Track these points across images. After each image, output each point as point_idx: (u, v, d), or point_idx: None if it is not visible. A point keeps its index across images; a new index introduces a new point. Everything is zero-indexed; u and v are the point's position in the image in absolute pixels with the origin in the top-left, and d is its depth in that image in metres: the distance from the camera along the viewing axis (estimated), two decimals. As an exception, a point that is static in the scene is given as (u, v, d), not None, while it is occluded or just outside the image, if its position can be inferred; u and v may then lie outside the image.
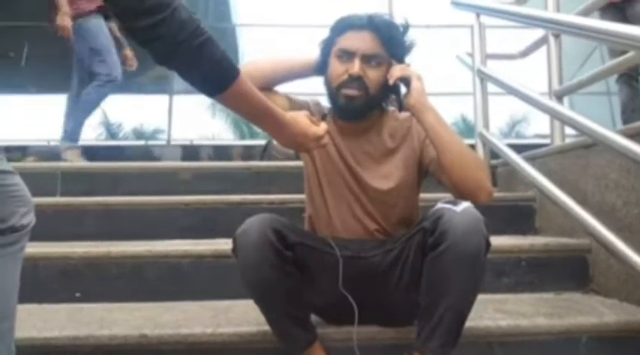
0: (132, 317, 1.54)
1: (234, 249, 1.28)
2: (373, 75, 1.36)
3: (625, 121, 2.96)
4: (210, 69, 0.98)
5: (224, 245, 1.56)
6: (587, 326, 1.50)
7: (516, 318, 1.51)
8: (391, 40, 1.37)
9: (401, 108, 1.42)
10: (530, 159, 2.30)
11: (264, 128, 1.19)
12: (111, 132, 9.18)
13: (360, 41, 1.35)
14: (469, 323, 1.47)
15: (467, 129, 9.09)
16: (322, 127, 1.23)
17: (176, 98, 6.14)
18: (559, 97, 2.47)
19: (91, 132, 6.77)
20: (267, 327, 1.32)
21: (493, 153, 2.56)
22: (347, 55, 1.36)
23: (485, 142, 2.51)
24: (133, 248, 1.79)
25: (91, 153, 3.57)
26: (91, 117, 3.51)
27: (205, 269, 1.77)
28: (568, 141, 2.37)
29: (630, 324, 1.50)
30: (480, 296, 1.80)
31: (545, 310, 1.60)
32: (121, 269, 1.65)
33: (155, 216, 2.19)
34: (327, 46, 1.42)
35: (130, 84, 4.51)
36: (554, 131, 2.45)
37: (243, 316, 1.52)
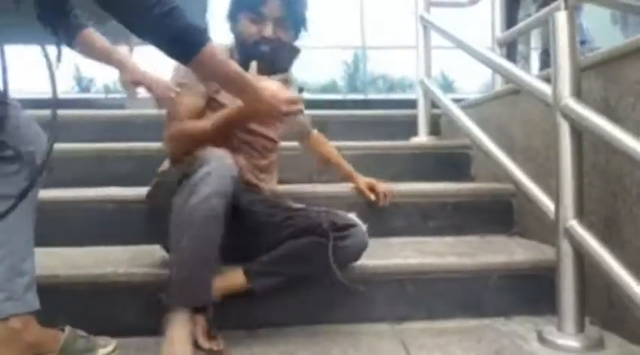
0: (49, 260, 1.53)
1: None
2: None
3: (543, 62, 2.98)
4: (175, 37, 1.06)
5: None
6: (497, 264, 1.55)
7: (427, 257, 1.55)
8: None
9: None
10: (469, 107, 2.31)
11: (236, 95, 1.28)
12: (82, 86, 8.93)
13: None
14: (380, 261, 1.51)
15: (446, 84, 9.15)
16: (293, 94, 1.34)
17: (137, 50, 5.93)
18: (501, 45, 2.47)
19: (62, 85, 6.60)
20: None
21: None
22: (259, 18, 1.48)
23: (426, 91, 2.50)
24: (57, 193, 1.77)
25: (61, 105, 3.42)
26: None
27: (130, 215, 1.75)
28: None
29: (539, 262, 1.55)
30: (404, 239, 1.85)
31: (462, 250, 1.64)
32: (44, 214, 1.63)
33: (88, 163, 2.17)
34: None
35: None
36: (494, 80, 2.47)
37: (163, 258, 1.53)
